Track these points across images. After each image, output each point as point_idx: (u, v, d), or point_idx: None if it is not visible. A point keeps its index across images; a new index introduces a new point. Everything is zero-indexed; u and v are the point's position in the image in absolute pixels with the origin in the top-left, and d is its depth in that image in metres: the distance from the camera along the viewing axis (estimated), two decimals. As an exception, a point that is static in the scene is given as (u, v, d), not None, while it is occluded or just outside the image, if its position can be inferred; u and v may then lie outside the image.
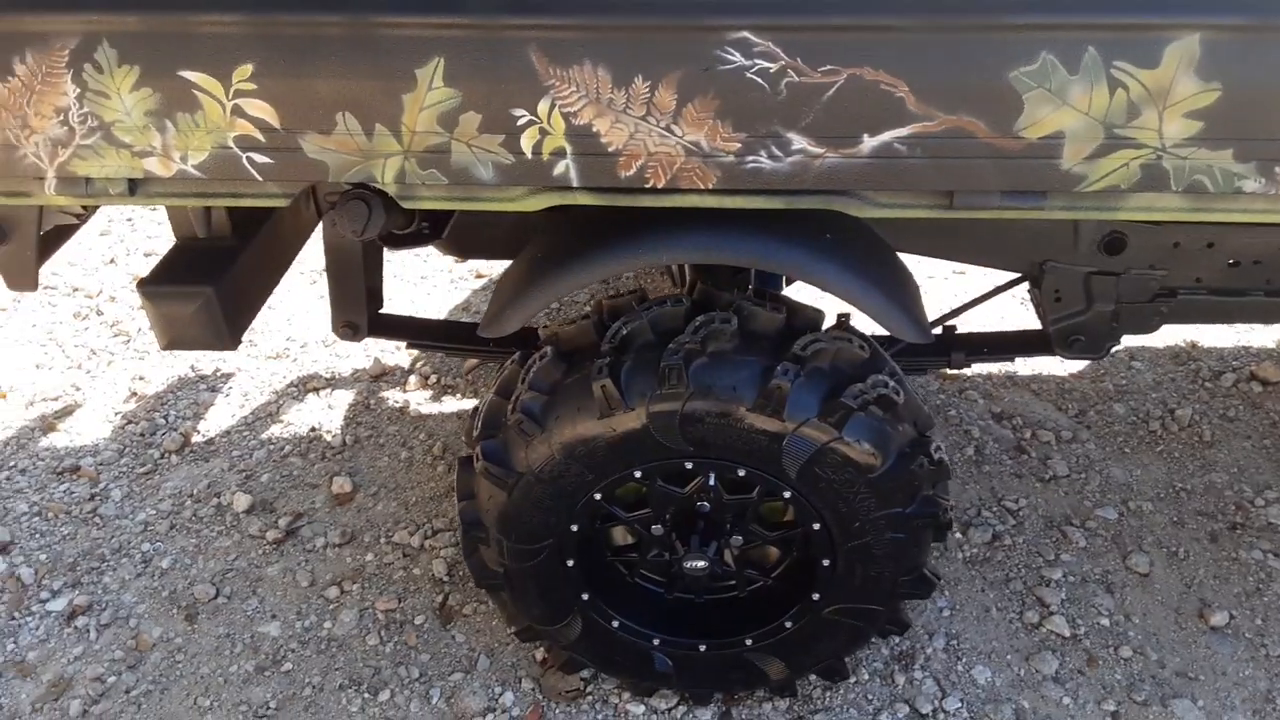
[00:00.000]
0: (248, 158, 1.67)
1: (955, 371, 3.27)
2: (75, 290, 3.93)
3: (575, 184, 1.66)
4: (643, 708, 2.31)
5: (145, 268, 3.99)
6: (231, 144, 1.65)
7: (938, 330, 2.45)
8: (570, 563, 2.06)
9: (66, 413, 3.30)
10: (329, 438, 3.13)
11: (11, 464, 3.09)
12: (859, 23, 1.49)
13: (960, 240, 2.06)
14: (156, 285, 2.04)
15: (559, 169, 1.64)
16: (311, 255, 3.77)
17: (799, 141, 1.58)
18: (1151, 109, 1.52)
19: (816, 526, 1.96)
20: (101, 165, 1.69)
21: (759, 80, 1.53)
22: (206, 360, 3.49)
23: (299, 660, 2.44)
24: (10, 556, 2.76)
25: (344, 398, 3.30)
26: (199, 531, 2.81)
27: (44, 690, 2.40)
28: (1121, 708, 2.30)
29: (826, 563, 2.01)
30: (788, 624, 2.12)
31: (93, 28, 1.56)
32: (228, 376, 3.42)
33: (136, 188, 1.73)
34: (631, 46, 1.53)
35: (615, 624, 2.15)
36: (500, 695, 2.34)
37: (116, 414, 3.28)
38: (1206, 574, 2.61)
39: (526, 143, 1.62)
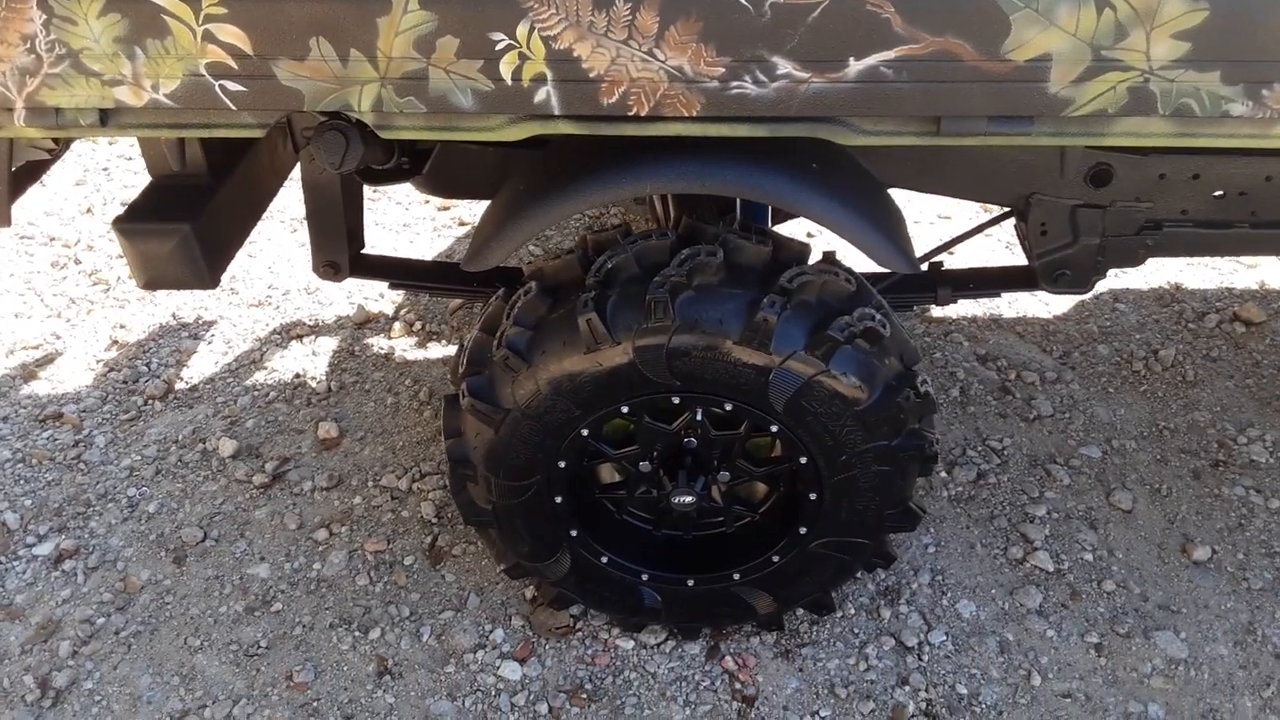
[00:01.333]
0: (220, 86, 1.63)
1: (940, 313, 3.27)
2: (52, 240, 3.87)
3: (557, 112, 1.63)
4: (632, 643, 2.33)
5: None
6: (203, 71, 1.62)
7: (924, 266, 2.44)
8: (559, 499, 2.06)
9: (47, 361, 3.26)
10: (314, 384, 3.11)
11: (-7, 412, 3.06)
12: (844, -59, 1.46)
13: (947, 173, 2.04)
14: (132, 223, 2.00)
15: (540, 96, 1.61)
16: (291, 202, 3.74)
17: (784, 66, 1.56)
18: (1139, 29, 1.51)
19: (803, 460, 1.97)
20: (71, 95, 1.65)
21: (743, 2, 1.50)
22: (188, 308, 3.46)
23: (289, 600, 2.45)
24: (-6, 503, 2.75)
25: (328, 344, 3.28)
26: (185, 476, 2.80)
27: (33, 632, 2.40)
28: (1104, 639, 2.33)
29: (813, 496, 2.01)
30: (775, 558, 2.13)
31: (58, -51, 1.52)
32: (210, 324, 3.39)
33: (108, 118, 1.69)
34: (613, -34, 1.50)
35: (604, 560, 2.16)
36: (491, 632, 2.35)
37: (98, 362, 3.25)
38: (1189, 510, 2.63)
39: (506, 68, 1.59)
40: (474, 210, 3.96)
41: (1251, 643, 2.32)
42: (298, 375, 3.15)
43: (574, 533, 2.12)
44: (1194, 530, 2.58)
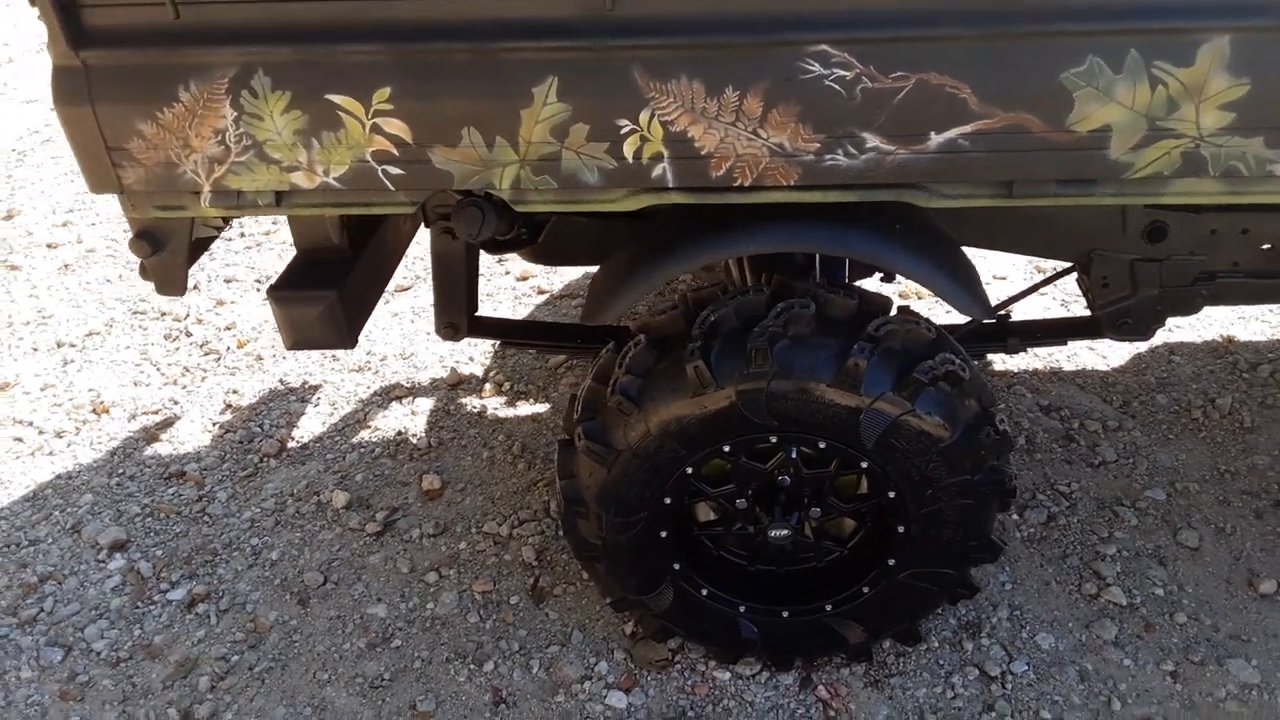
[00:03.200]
0: (383, 170, 1.89)
1: (1003, 367, 3.44)
2: (163, 314, 4.18)
3: (671, 185, 1.86)
4: (728, 674, 2.49)
5: (227, 293, 4.26)
6: (369, 158, 1.88)
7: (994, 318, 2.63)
8: (664, 534, 2.25)
9: (167, 425, 3.53)
10: (415, 440, 3.34)
11: (120, 471, 3.32)
12: (926, 34, 1.70)
13: (1017, 231, 2.25)
14: (285, 290, 2.27)
15: (656, 171, 1.85)
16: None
17: (872, 140, 1.78)
18: (1189, 103, 1.71)
19: (892, 495, 2.14)
20: (253, 179, 1.92)
21: (836, 87, 1.74)
22: (294, 375, 3.73)
23: (407, 637, 2.64)
24: (128, 553, 2.98)
25: (425, 404, 3.52)
26: (303, 526, 3.03)
27: (172, 670, 2.61)
28: (1180, 667, 2.45)
29: (901, 529, 2.18)
30: (865, 589, 2.29)
31: (250, 59, 1.80)
32: (315, 388, 3.65)
33: (282, 199, 1.96)
34: (723, 61, 1.74)
35: (704, 592, 2.34)
36: (596, 664, 2.52)
37: (214, 424, 3.51)
38: (1254, 547, 2.76)
39: (628, 149, 1.83)
40: (550, 279, 4.22)
41: (1322, 670, 2.43)
42: (399, 433, 3.39)
43: (677, 566, 2.30)
44: (1259, 565, 2.70)
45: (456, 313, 2.48)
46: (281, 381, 3.70)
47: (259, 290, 4.31)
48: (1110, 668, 2.46)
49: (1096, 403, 3.31)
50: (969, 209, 1.94)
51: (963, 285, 2.00)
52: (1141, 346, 3.56)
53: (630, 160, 1.84)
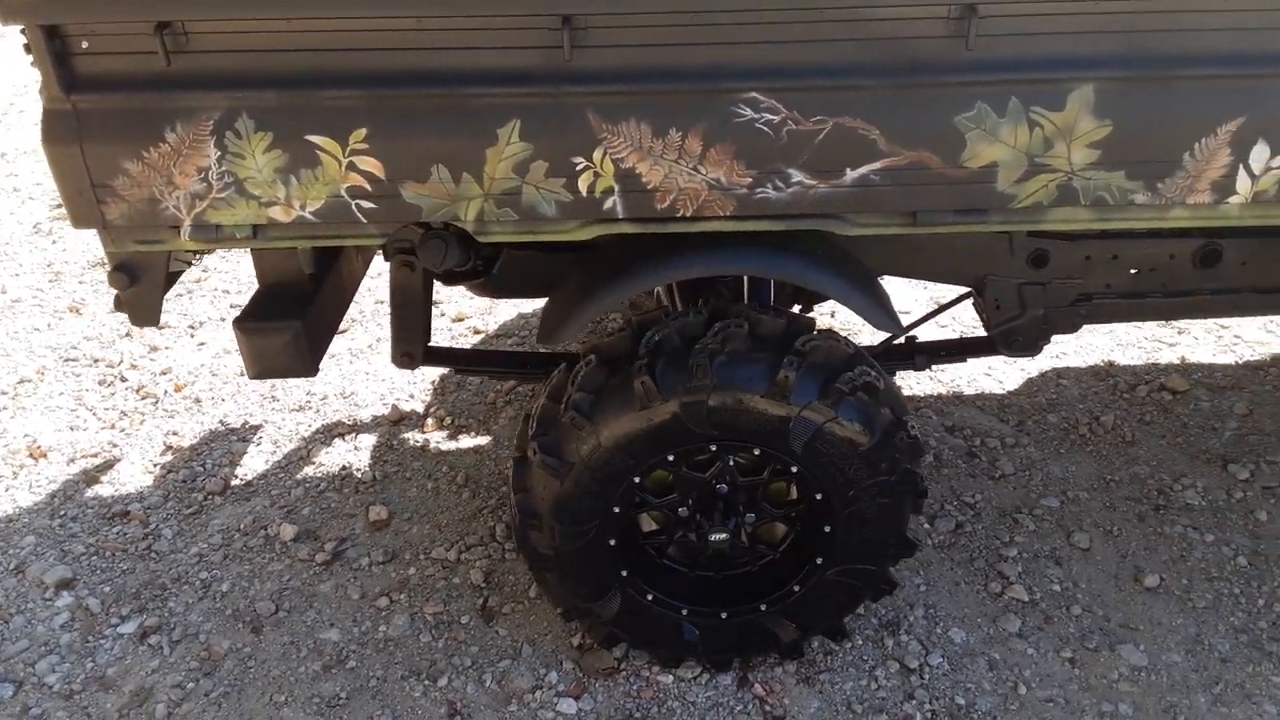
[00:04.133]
0: (356, 204, 2.06)
1: (910, 391, 3.73)
2: (96, 361, 4.21)
3: (621, 216, 2.08)
4: (671, 677, 2.65)
5: (160, 339, 4.31)
6: (344, 193, 2.05)
7: (901, 339, 2.91)
8: (612, 542, 2.42)
9: (107, 467, 3.57)
10: (359, 474, 3.45)
11: (62, 513, 3.35)
12: (841, 84, 1.96)
13: (921, 259, 2.52)
14: (250, 321, 2.40)
15: (608, 204, 2.07)
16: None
17: (797, 175, 2.04)
18: (1061, 142, 2.01)
19: (819, 497, 2.37)
20: (232, 214, 2.07)
21: (766, 129, 1.99)
22: (234, 415, 3.80)
23: (361, 659, 2.74)
24: (76, 590, 3.01)
25: (368, 440, 3.63)
26: (251, 559, 3.10)
27: (127, 699, 2.66)
28: (1077, 654, 2.71)
29: (828, 529, 2.40)
30: (796, 588, 2.50)
31: (235, 103, 1.96)
32: (256, 428, 3.73)
33: (259, 232, 2.11)
34: (668, 106, 1.98)
35: (649, 597, 2.51)
36: (545, 675, 2.67)
37: (155, 465, 3.56)
38: (1138, 546, 3.06)
39: (583, 184, 2.04)
40: (485, 320, 4.39)
41: (1200, 650, 2.71)
42: (344, 468, 3.49)
43: (624, 573, 2.48)
44: (1143, 562, 3.00)
45: (413, 342, 2.64)
46: (222, 422, 3.77)
47: (192, 336, 4.37)
48: (1016, 656, 2.71)
49: (995, 422, 3.61)
50: (879, 239, 2.20)
51: (878, 305, 2.26)
52: (1033, 371, 3.90)
53: (584, 194, 2.05)
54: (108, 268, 2.21)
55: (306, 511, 3.29)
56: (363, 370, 4.06)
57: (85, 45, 1.92)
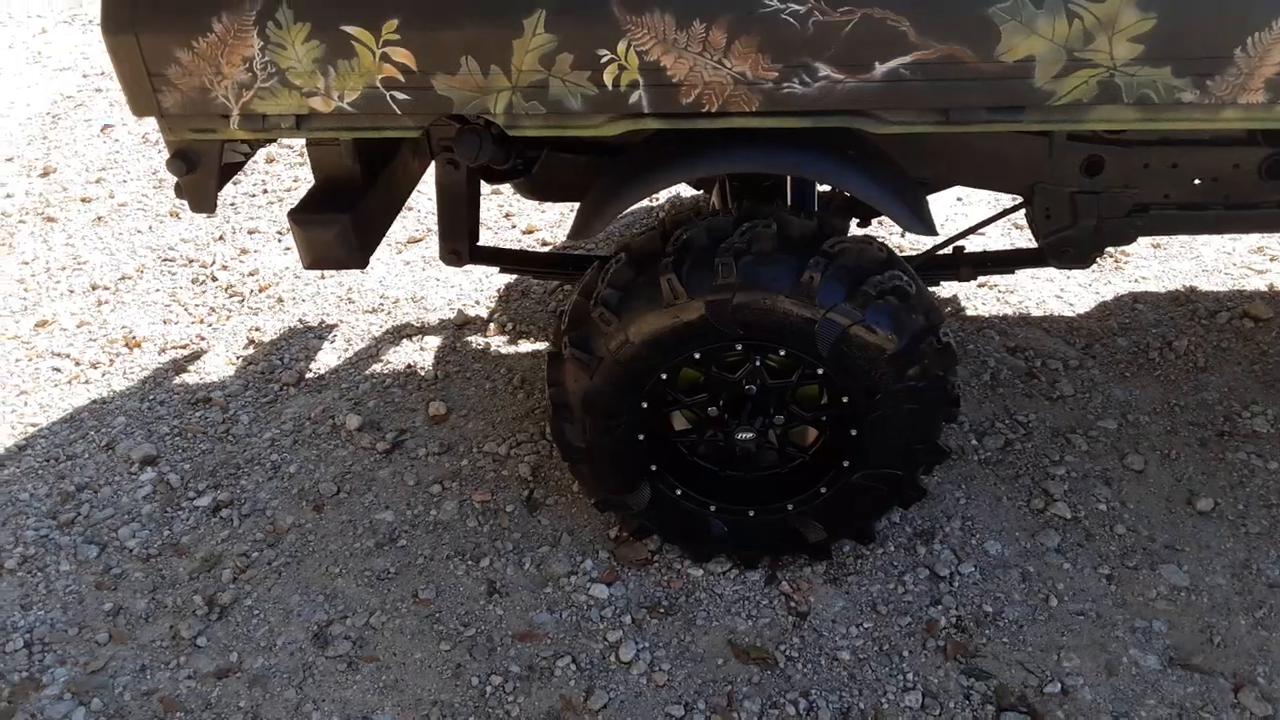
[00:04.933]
0: (391, 95, 2.13)
1: (974, 312, 3.66)
2: (191, 261, 4.45)
3: (646, 110, 2.10)
4: (701, 571, 2.73)
5: (250, 243, 4.52)
6: (379, 84, 2.12)
7: (949, 249, 2.85)
8: (641, 437, 2.49)
9: (194, 358, 3.80)
10: (423, 373, 3.60)
11: (151, 397, 3.59)
12: (868, -28, 1.92)
13: (964, 164, 2.46)
14: (304, 214, 2.51)
15: (633, 98, 2.08)
16: (397, 229, 4.30)
17: (824, 69, 2.01)
18: (1103, 35, 1.93)
19: (845, 400, 2.38)
20: (276, 104, 2.16)
21: (791, 20, 1.97)
22: (312, 315, 3.98)
23: (411, 539, 2.90)
24: (159, 467, 3.25)
25: (433, 342, 3.77)
26: (318, 445, 3.29)
27: (198, 564, 2.88)
28: (1115, 571, 2.67)
29: (854, 432, 2.42)
30: (823, 489, 2.52)
31: (276, -6, 2.04)
32: (332, 327, 3.91)
33: (301, 123, 2.20)
34: (691, -4, 1.97)
35: (679, 493, 2.58)
36: (581, 562, 2.77)
37: (238, 358, 3.77)
38: (1195, 471, 2.97)
39: (608, 77, 2.06)
40: (555, 233, 4.46)
41: (1247, 575, 2.64)
42: (409, 366, 3.64)
43: (654, 468, 2.54)
44: (1199, 487, 2.91)
45: (459, 239, 2.73)
46: (301, 321, 3.96)
47: (280, 241, 4.57)
48: (1050, 570, 2.69)
49: (1060, 344, 3.52)
50: (919, 142, 2.16)
51: (909, 206, 2.23)
52: (1108, 295, 3.77)
53: (610, 87, 2.07)
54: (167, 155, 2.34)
55: (372, 404, 3.45)
56: (434, 277, 4.19)
57: (138, -63, 2.02)
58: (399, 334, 3.84)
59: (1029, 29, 1.94)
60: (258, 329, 3.93)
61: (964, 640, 2.52)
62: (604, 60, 2.05)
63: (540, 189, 2.72)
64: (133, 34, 2.09)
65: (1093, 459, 3.03)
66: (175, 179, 2.37)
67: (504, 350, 3.70)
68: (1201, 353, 3.44)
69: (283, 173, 5.18)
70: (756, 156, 2.18)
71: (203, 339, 3.90)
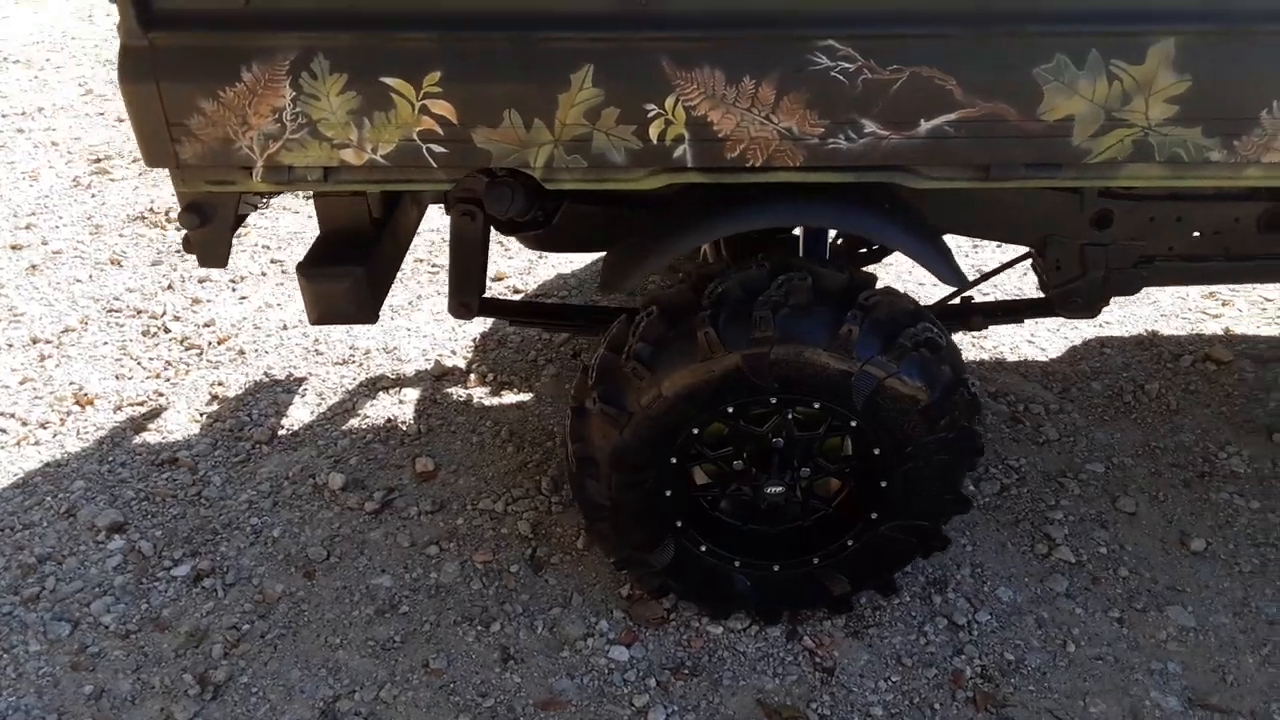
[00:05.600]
0: (427, 148, 2.07)
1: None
2: (139, 312, 4.23)
3: (689, 165, 2.08)
4: (720, 629, 2.68)
5: (202, 292, 4.34)
6: (415, 137, 2.05)
7: (957, 299, 2.90)
8: (668, 493, 2.44)
9: (153, 415, 3.60)
10: (404, 427, 3.48)
11: (110, 459, 3.38)
12: (921, 32, 1.95)
13: (983, 216, 2.51)
14: (314, 267, 2.41)
15: (678, 153, 2.06)
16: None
17: (870, 126, 2.03)
18: (1140, 96, 1.99)
19: (876, 452, 2.37)
20: (305, 156, 2.08)
21: (841, 78, 1.98)
22: (279, 368, 3.83)
23: (414, 604, 2.77)
24: (128, 534, 3.05)
25: (412, 394, 3.65)
26: (301, 506, 3.14)
27: (183, 639, 2.70)
28: (1125, 614, 2.72)
29: (884, 484, 2.41)
30: (850, 542, 2.51)
31: (311, 43, 1.96)
32: (300, 381, 3.76)
33: (329, 175, 2.12)
34: (742, 53, 1.97)
35: (703, 548, 2.53)
36: (596, 623, 2.69)
37: (201, 415, 3.59)
38: (1183, 512, 3.06)
39: (654, 131, 2.04)
40: (525, 280, 4.39)
41: (1247, 613, 2.72)
42: (389, 420, 3.52)
43: (679, 524, 2.49)
44: (1189, 527, 3.00)
45: (471, 292, 2.65)
46: (266, 374, 3.80)
47: (234, 290, 4.39)
48: (1064, 615, 2.72)
49: (1038, 389, 3.61)
50: (945, 196, 2.19)
51: (944, 260, 2.25)
52: (1076, 339, 3.88)
53: (655, 142, 2.05)
54: (172, 212, 2.22)
55: (354, 462, 3.32)
56: (404, 326, 4.08)
57: (164, -18, 1.92)
58: (374, 387, 3.71)
59: (1071, 89, 1.99)
60: (220, 383, 3.75)
61: (991, 690, 2.53)
62: (650, 115, 2.02)
63: (553, 240, 2.67)
64: (154, 82, 1.98)
65: (1086, 502, 3.10)
66: (183, 232, 2.25)
67: (487, 402, 3.61)
68: (1173, 395, 3.56)
69: (229, 219, 4.99)
70: (800, 211, 2.19)
71: (161, 395, 3.71)
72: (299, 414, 3.58)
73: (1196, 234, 2.55)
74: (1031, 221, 2.53)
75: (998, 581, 2.82)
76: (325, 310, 2.45)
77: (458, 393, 3.66)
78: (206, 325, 4.12)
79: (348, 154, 2.07)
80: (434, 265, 4.50)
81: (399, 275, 4.43)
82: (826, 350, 2.23)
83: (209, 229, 2.22)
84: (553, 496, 3.14)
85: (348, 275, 2.40)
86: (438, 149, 2.07)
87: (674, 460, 2.40)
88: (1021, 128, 2.02)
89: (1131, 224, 2.52)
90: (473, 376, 3.72)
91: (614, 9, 1.95)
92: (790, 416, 2.38)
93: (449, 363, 3.82)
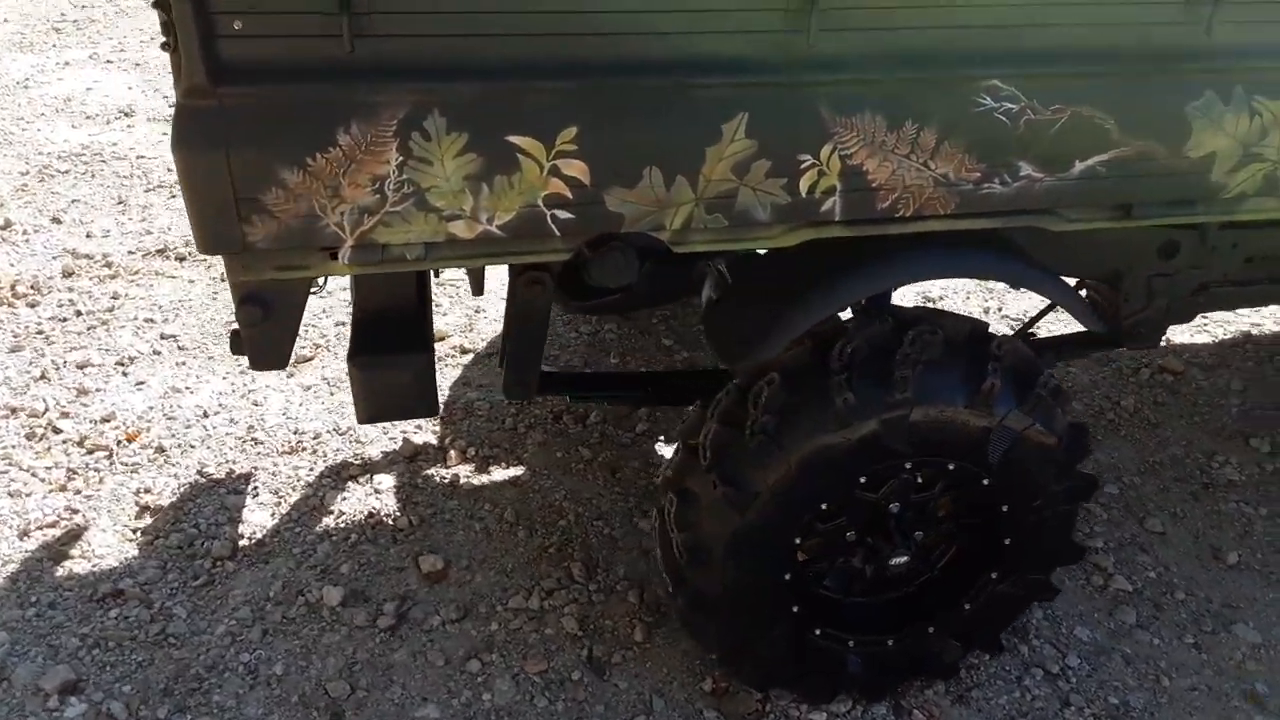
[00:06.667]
0: (552, 215, 1.77)
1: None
2: (14, 411, 3.55)
3: (837, 218, 1.88)
4: (824, 714, 2.47)
5: (86, 380, 3.71)
6: (540, 203, 1.75)
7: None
8: (787, 576, 2.21)
9: (73, 538, 3.00)
10: (391, 521, 3.06)
11: (35, 600, 2.78)
12: (1084, 70, 1.84)
13: (1067, 254, 2.44)
14: (371, 356, 2.03)
15: (826, 205, 1.86)
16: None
17: (1025, 168, 1.90)
18: (1276, 131, 1.97)
19: (1005, 508, 2.24)
20: (406, 231, 1.72)
21: (1004, 119, 1.84)
22: (212, 464, 3.30)
23: (478, 734, 2.40)
24: (88, 694, 2.50)
25: (387, 482, 3.23)
26: (298, 632, 2.67)
27: (201, 819, 2.21)
28: (1198, 639, 2.73)
29: (1008, 541, 2.29)
30: (967, 605, 2.37)
31: (426, 98, 1.63)
32: (246, 477, 3.25)
33: (431, 251, 1.77)
34: (907, 96, 1.80)
35: (817, 632, 2.32)
36: (693, 727, 2.42)
37: (134, 531, 3.03)
38: (1205, 526, 3.13)
39: (804, 184, 1.83)
40: (471, 339, 4.01)
41: (1302, 622, 2.79)
42: (370, 515, 3.08)
43: (795, 609, 2.27)
44: (1216, 541, 3.06)
45: (532, 370, 2.32)
46: (201, 474, 3.26)
47: (125, 375, 3.78)
48: (1145, 649, 2.69)
49: (1028, 415, 3.62)
50: (1037, 234, 2.10)
51: (1084, 302, 2.17)
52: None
53: (804, 195, 1.84)
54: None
55: (345, 570, 2.87)
56: (347, 402, 3.62)
57: (238, 25, 1.54)
58: (339, 477, 3.26)
59: (1217, 126, 1.94)
60: (146, 490, 3.18)
61: (1109, 739, 2.45)
62: (804, 166, 1.81)
63: (624, 303, 2.38)
64: (222, 150, 1.58)
65: (1116, 526, 3.11)
66: (235, 329, 1.83)
67: (476, 481, 3.24)
68: (1147, 409, 3.67)
69: (93, 289, 4.32)
70: (953, 262, 2.03)
71: (75, 511, 3.10)
72: (258, 518, 3.08)
73: (1247, 260, 2.60)
74: (1108, 256, 2.49)
75: (1072, 621, 2.76)
76: (383, 405, 2.08)
77: (439, 474, 3.27)
78: (105, 420, 3.50)
79: (458, 226, 1.74)
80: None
81: (323, 344, 3.97)
82: (967, 407, 2.08)
83: (270, 324, 1.81)
84: (589, 584, 2.84)
85: (412, 363, 2.04)
86: (563, 215, 1.77)
87: (797, 540, 2.17)
88: (1167, 165, 1.96)
89: (1194, 253, 2.53)
90: (452, 454, 3.34)
91: (773, 51, 1.73)
92: (916, 479, 2.22)
93: (418, 439, 3.41)
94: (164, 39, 1.56)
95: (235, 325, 1.85)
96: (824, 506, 2.15)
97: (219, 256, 1.72)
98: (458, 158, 1.67)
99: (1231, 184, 2.02)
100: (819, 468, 2.08)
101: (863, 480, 2.15)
